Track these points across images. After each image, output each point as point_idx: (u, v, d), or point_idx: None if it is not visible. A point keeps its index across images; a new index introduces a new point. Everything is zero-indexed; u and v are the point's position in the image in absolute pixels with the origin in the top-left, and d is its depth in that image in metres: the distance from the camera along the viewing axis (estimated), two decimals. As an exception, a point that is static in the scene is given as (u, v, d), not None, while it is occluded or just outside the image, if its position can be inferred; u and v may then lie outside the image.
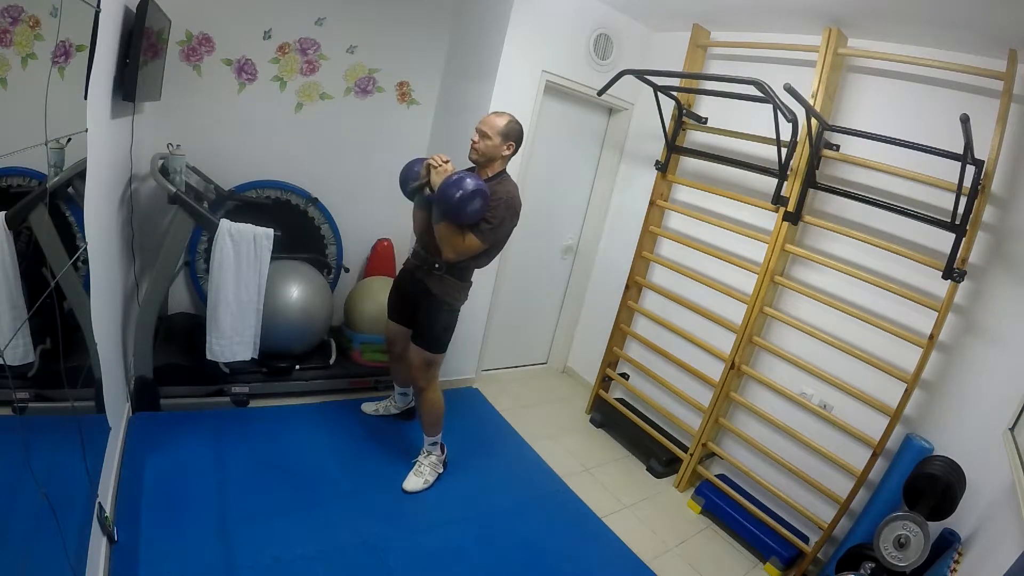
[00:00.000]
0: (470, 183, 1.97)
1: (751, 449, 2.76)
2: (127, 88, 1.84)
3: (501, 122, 2.12)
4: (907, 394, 2.16)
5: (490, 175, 2.16)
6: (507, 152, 2.16)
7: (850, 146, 2.43)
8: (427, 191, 2.11)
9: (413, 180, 2.16)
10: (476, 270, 2.31)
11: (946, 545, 1.91)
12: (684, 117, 2.99)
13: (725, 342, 2.83)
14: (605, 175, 3.63)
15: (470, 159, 2.18)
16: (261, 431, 2.53)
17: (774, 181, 2.57)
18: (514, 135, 2.15)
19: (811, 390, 2.56)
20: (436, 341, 2.29)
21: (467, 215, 2.00)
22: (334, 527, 2.08)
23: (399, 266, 3.39)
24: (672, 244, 3.18)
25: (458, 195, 1.95)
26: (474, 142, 2.15)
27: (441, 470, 2.50)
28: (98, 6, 1.41)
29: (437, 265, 2.21)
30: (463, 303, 2.33)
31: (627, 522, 2.56)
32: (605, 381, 3.45)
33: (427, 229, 2.19)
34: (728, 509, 2.65)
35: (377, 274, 3.33)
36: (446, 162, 2.11)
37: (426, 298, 2.26)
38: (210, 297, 2.30)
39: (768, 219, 2.67)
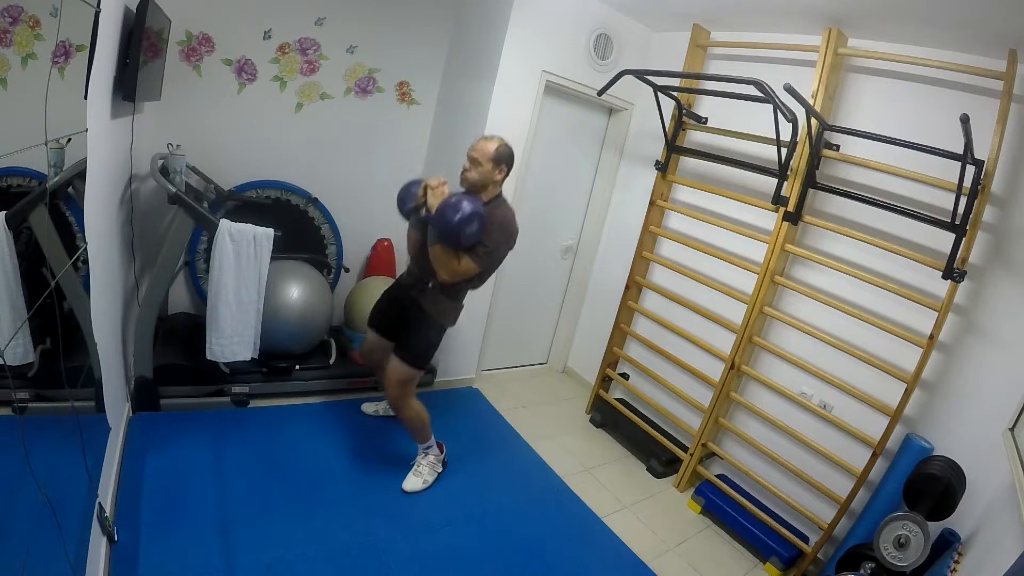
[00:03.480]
0: (467, 206, 1.96)
1: (751, 449, 2.77)
2: (127, 88, 1.84)
3: (491, 147, 2.10)
4: (907, 394, 2.16)
5: (485, 200, 2.15)
6: (499, 176, 2.15)
7: (850, 146, 2.43)
8: (424, 212, 2.10)
9: (410, 201, 2.15)
10: (470, 291, 2.30)
11: (946, 545, 1.91)
12: (684, 117, 2.99)
13: (725, 342, 2.83)
14: (605, 175, 3.62)
15: (462, 187, 2.17)
16: (261, 431, 2.53)
17: (774, 181, 2.57)
18: (505, 159, 2.14)
19: (811, 390, 2.56)
20: (419, 355, 2.27)
21: (464, 237, 2.00)
22: (334, 527, 2.08)
23: (400, 266, 3.43)
24: (672, 244, 3.18)
25: (456, 218, 1.95)
26: (465, 169, 2.13)
27: (440, 469, 2.50)
28: (98, 6, 1.41)
29: (431, 284, 2.20)
30: (452, 325, 2.32)
31: (627, 522, 2.56)
32: (605, 381, 3.45)
33: (422, 250, 2.17)
34: (728, 509, 2.65)
35: (377, 274, 3.33)
36: (443, 184, 2.10)
37: (417, 314, 2.26)
38: (210, 297, 2.30)
39: (768, 219, 2.68)
